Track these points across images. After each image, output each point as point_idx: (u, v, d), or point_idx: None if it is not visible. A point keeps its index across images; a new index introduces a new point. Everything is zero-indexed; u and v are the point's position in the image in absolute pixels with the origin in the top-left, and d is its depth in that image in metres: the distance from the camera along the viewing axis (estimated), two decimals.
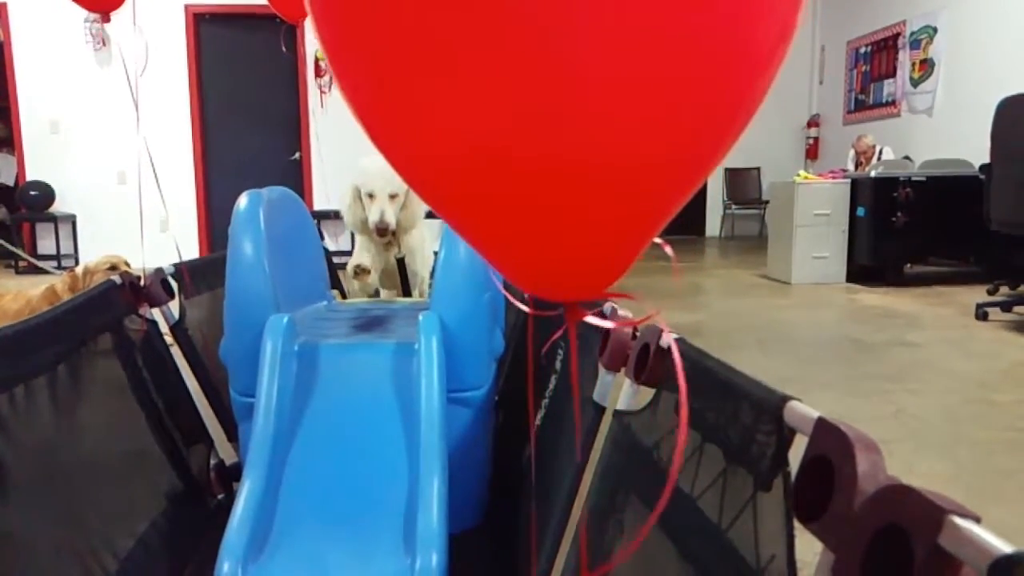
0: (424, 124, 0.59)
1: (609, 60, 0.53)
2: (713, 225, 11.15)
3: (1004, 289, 5.13)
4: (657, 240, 0.74)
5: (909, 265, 6.26)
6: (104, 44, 8.19)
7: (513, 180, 0.60)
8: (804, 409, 0.66)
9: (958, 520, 0.45)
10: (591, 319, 0.80)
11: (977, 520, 0.45)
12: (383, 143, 0.67)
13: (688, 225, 10.96)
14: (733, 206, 10.89)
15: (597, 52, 0.53)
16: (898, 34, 8.60)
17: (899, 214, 5.93)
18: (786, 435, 0.68)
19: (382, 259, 2.39)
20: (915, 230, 5.94)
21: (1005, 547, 0.42)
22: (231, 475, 1.94)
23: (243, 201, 1.77)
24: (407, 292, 2.42)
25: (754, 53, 0.60)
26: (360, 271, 2.27)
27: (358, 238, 2.40)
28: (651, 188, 0.65)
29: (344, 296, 2.90)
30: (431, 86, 0.56)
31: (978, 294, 5.07)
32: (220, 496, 1.90)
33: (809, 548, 0.60)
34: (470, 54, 0.53)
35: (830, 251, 6.27)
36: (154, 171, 3.59)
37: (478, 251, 0.75)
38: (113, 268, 3.04)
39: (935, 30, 7.89)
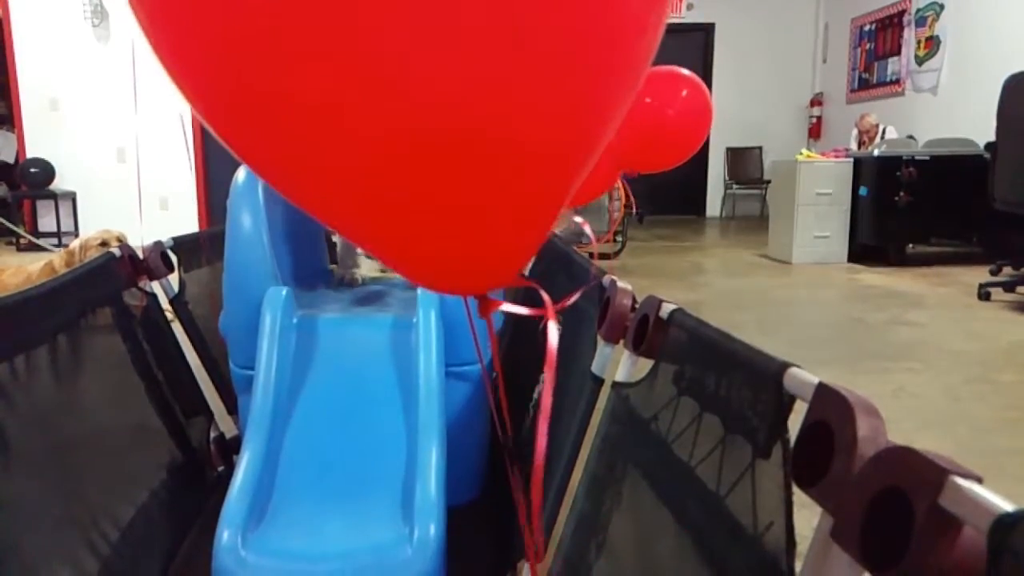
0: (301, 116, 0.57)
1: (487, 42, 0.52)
2: (714, 205, 11.12)
3: (1007, 269, 5.11)
4: (578, 219, 0.73)
5: (911, 245, 6.24)
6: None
7: (407, 169, 0.59)
8: (804, 375, 0.65)
9: (959, 480, 0.45)
10: (506, 307, 0.80)
11: (979, 480, 0.45)
12: (243, 150, 0.64)
13: (688, 204, 10.95)
14: (734, 185, 10.86)
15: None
16: (903, 11, 8.53)
17: (902, 193, 5.90)
18: (786, 402, 0.67)
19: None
20: (918, 210, 5.91)
21: (1007, 506, 0.41)
22: (231, 448, 1.95)
23: (241, 174, 1.76)
24: None
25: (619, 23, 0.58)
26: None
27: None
28: (540, 164, 0.63)
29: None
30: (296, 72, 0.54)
31: (981, 274, 5.06)
32: (220, 468, 1.91)
33: (807, 523, 0.60)
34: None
35: (832, 231, 6.25)
36: (186, 141, 3.55)
37: (376, 255, 0.73)
38: (104, 244, 3.05)
39: (941, 7, 7.83)
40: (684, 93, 2.46)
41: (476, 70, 0.53)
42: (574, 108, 0.61)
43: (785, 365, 0.68)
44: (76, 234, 8.22)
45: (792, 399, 0.67)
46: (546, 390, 0.73)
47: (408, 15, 0.50)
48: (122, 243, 3.04)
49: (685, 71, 2.50)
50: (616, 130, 0.68)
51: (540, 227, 0.72)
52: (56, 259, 3.07)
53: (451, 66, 0.53)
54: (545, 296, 0.83)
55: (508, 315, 2.06)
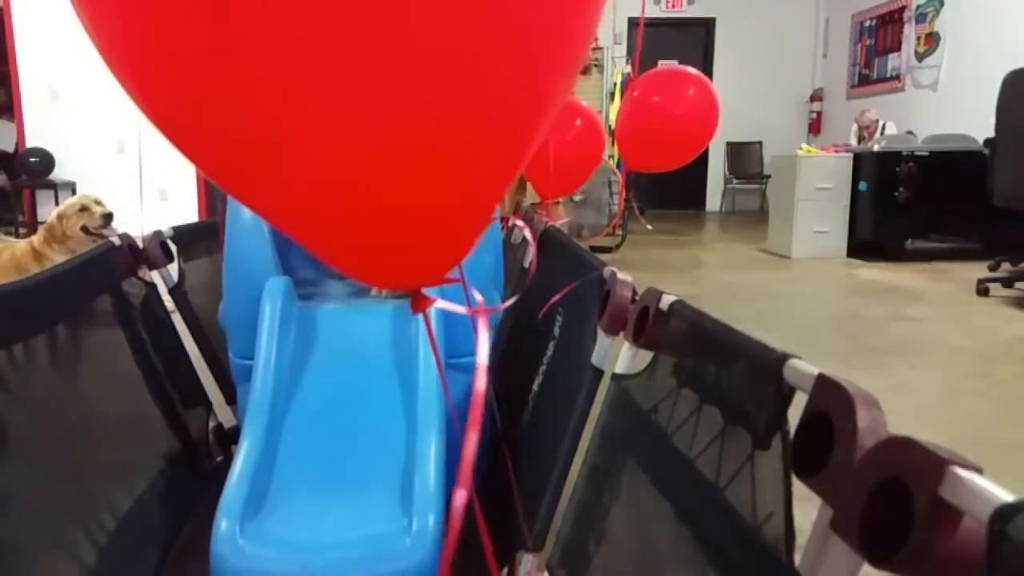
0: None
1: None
2: (714, 199, 11.13)
3: (1006, 265, 5.11)
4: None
5: (910, 240, 6.24)
6: None
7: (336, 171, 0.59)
8: (804, 366, 0.65)
9: (959, 471, 0.45)
10: (441, 304, 0.82)
11: (979, 471, 0.45)
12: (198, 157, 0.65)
13: (688, 199, 10.94)
14: (734, 180, 10.85)
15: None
16: (904, 7, 8.52)
17: (901, 189, 5.90)
18: (785, 393, 0.67)
19: None
20: (917, 205, 5.91)
21: (1006, 496, 0.41)
22: (230, 438, 1.95)
23: None
24: None
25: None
26: None
27: None
28: (463, 175, 0.65)
29: None
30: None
31: (979, 270, 5.06)
32: (219, 459, 1.91)
33: (806, 517, 0.60)
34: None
35: (831, 226, 6.25)
36: None
37: (310, 250, 0.74)
38: (84, 209, 3.06)
39: (942, 3, 7.82)
40: (691, 92, 2.45)
41: (404, 83, 0.54)
42: (496, 125, 0.62)
43: (785, 356, 0.68)
44: None
45: (792, 390, 0.67)
46: (475, 401, 0.74)
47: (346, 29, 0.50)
48: (101, 209, 3.07)
49: (692, 70, 2.49)
50: (539, 144, 0.69)
51: (468, 231, 0.74)
52: (35, 238, 3.08)
53: (380, 79, 0.53)
54: (478, 296, 0.84)
55: (507, 310, 2.06)
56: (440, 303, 0.82)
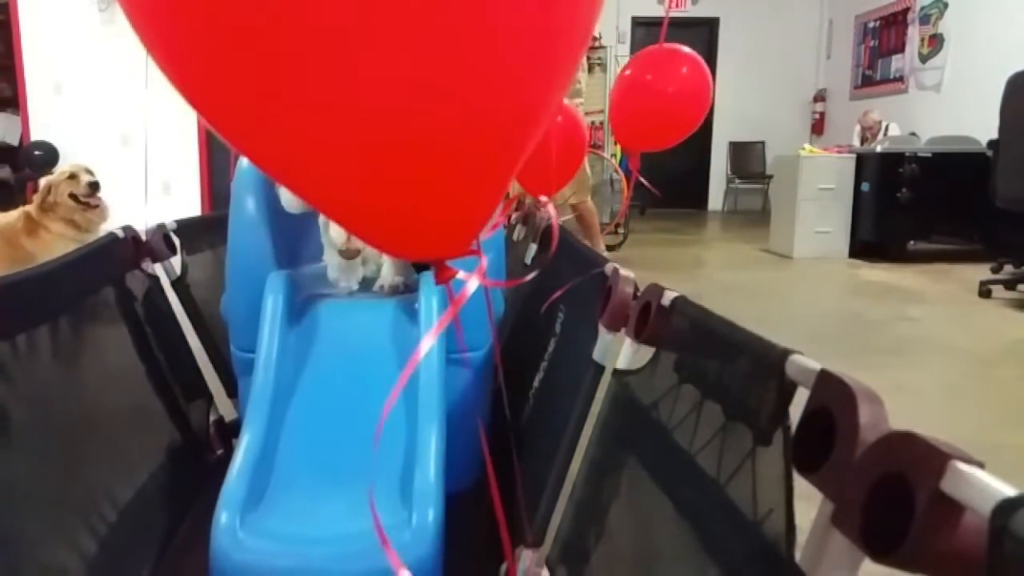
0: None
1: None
2: (716, 199, 11.11)
3: (1008, 267, 5.10)
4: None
5: (913, 241, 6.23)
6: None
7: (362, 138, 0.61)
8: (806, 362, 0.65)
9: (961, 465, 0.45)
10: (462, 275, 0.84)
11: (980, 466, 0.45)
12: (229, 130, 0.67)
13: (690, 198, 10.92)
14: (736, 180, 10.84)
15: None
16: (907, 8, 8.51)
17: (904, 190, 5.89)
18: (787, 389, 0.67)
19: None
20: (920, 206, 5.90)
21: (1008, 490, 0.41)
22: (230, 431, 1.95)
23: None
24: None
25: None
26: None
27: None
28: (476, 154, 0.67)
29: None
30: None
31: (982, 271, 5.05)
32: (219, 452, 1.91)
33: (806, 516, 0.60)
34: None
35: (833, 226, 6.24)
36: None
37: (337, 220, 0.75)
38: (73, 177, 3.10)
39: (945, 5, 7.80)
40: (684, 71, 2.46)
41: (421, 69, 0.56)
42: (506, 108, 0.64)
43: (787, 352, 0.68)
44: None
45: (794, 386, 0.67)
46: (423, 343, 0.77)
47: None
48: (91, 175, 3.12)
49: (686, 49, 2.50)
50: (546, 126, 0.73)
51: (485, 205, 0.78)
52: (32, 206, 3.12)
53: (400, 64, 0.55)
54: (483, 261, 0.85)
55: (510, 305, 2.07)
56: (461, 274, 0.84)
